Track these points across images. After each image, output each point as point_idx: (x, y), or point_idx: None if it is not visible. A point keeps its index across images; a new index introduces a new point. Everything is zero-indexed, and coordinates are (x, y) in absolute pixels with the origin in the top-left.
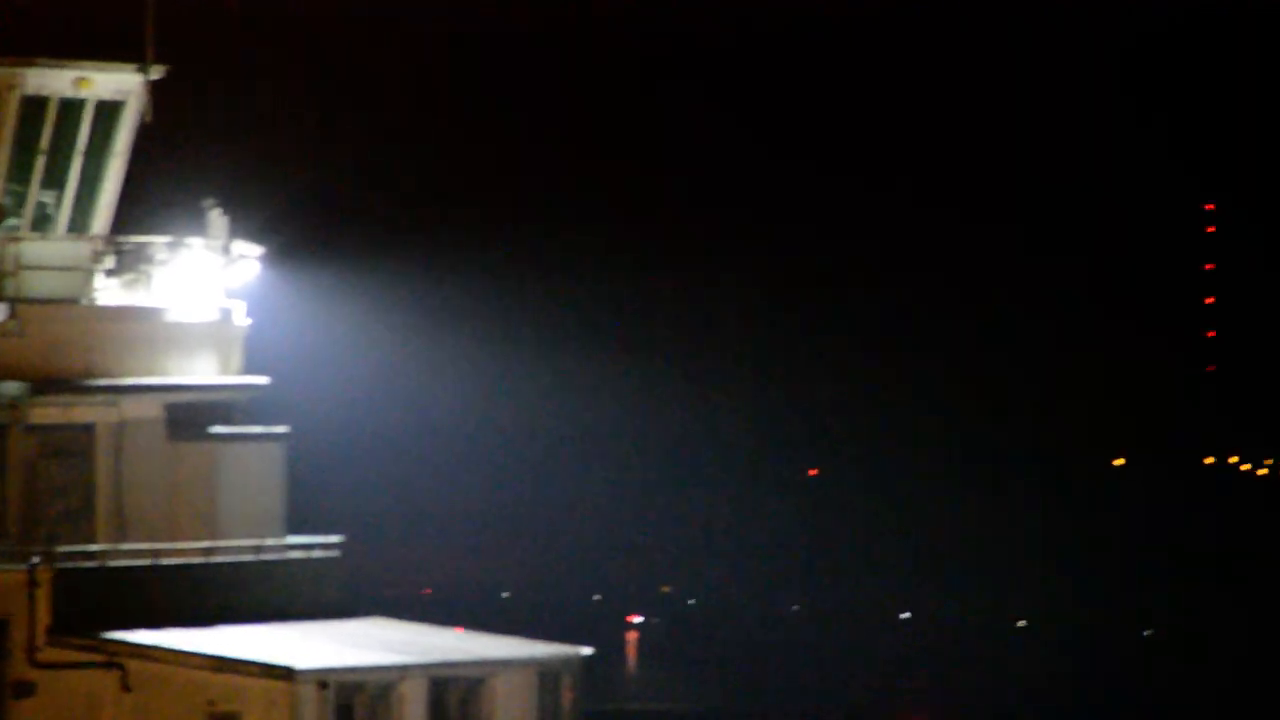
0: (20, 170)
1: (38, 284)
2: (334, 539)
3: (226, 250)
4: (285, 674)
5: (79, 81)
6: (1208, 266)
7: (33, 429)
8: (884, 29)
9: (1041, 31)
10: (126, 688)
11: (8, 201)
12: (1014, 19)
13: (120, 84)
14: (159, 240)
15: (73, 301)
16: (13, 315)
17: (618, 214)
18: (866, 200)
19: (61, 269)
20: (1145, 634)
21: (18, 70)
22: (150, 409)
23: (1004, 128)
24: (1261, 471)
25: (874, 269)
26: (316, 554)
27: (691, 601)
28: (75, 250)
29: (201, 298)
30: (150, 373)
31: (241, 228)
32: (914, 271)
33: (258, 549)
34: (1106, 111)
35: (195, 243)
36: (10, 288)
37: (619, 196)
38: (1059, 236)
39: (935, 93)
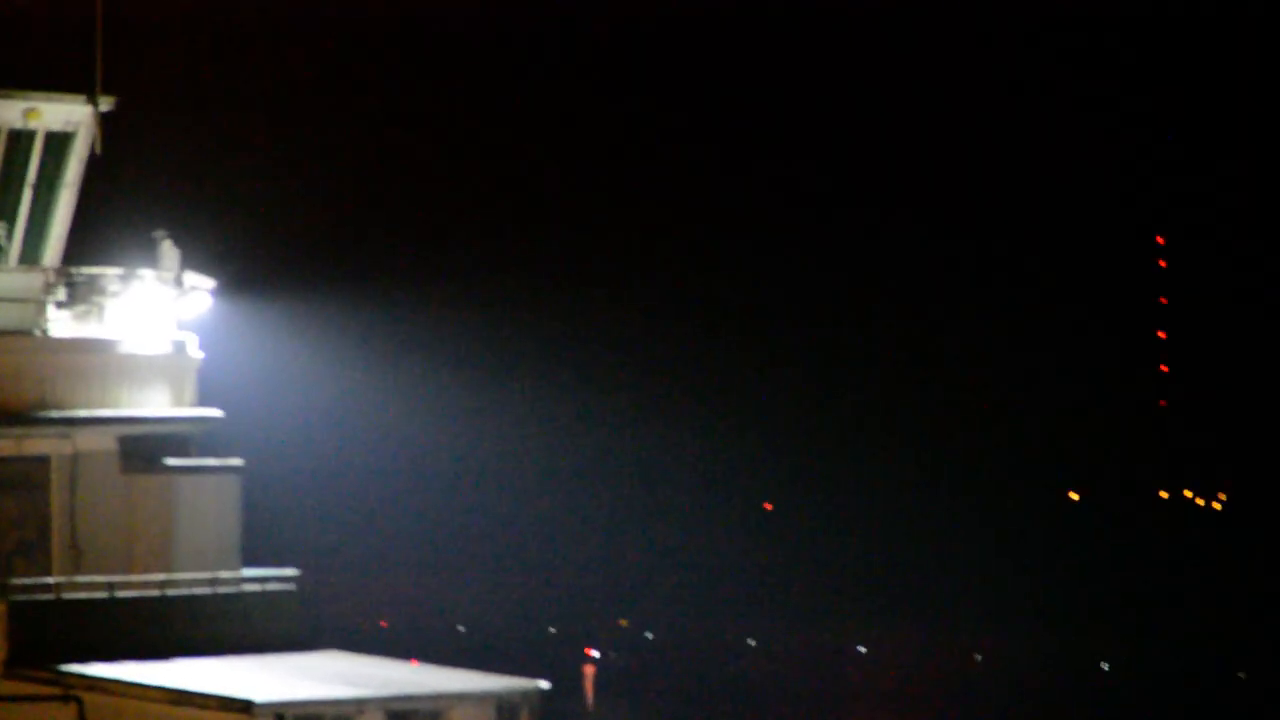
0: None
1: None
2: (290, 572)
3: (179, 282)
4: (243, 707)
5: (28, 113)
6: (1161, 301)
7: None
8: (847, 44)
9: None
10: None
11: None
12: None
13: (70, 115)
14: (111, 272)
15: (25, 333)
16: None
17: (578, 245)
18: (821, 233)
19: (13, 300)
20: (1102, 667)
21: None
22: (104, 441)
23: (962, 159)
24: (1215, 505)
25: (827, 303)
26: (272, 587)
27: (649, 635)
28: (27, 282)
29: (154, 330)
30: (104, 405)
31: (193, 259)
32: (868, 305)
33: (213, 581)
34: (1064, 144)
35: (147, 274)
36: None
37: (578, 226)
38: (1013, 271)
39: (900, 119)
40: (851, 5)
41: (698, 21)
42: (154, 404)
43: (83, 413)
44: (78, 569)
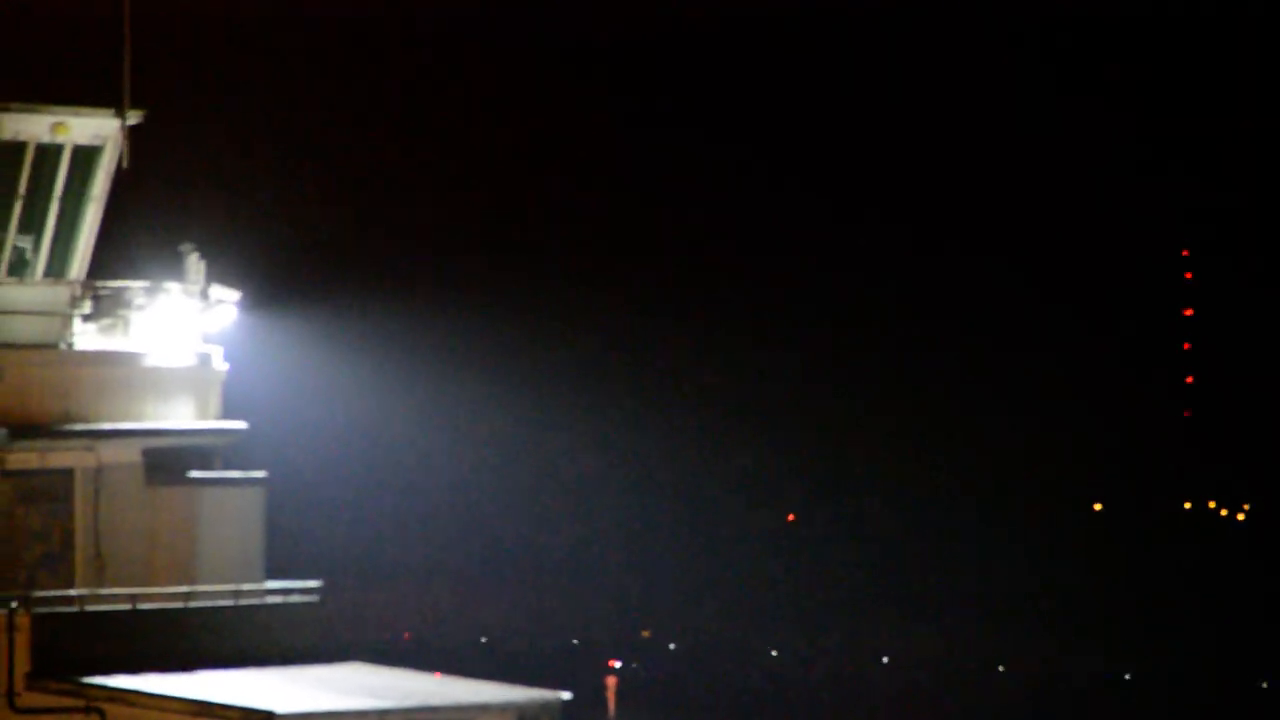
0: None
1: (15, 329)
2: (313, 584)
3: (204, 295)
4: (265, 718)
5: (56, 127)
6: (1186, 312)
7: (10, 474)
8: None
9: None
10: None
11: None
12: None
13: (98, 129)
14: (137, 285)
15: (50, 346)
16: None
17: (602, 258)
18: (840, 243)
19: (39, 314)
20: (1125, 678)
21: None
22: (128, 454)
23: (980, 170)
24: (1240, 516)
25: (852, 314)
26: (295, 599)
27: (672, 646)
28: (53, 295)
29: (179, 342)
30: (128, 417)
31: (219, 272)
32: (890, 315)
33: (236, 594)
34: (1089, 156)
35: (173, 287)
36: None
37: (599, 239)
38: (1038, 283)
39: (913, 128)
40: (868, 9)
41: (702, 22)
42: (178, 416)
43: (107, 425)
44: (101, 581)
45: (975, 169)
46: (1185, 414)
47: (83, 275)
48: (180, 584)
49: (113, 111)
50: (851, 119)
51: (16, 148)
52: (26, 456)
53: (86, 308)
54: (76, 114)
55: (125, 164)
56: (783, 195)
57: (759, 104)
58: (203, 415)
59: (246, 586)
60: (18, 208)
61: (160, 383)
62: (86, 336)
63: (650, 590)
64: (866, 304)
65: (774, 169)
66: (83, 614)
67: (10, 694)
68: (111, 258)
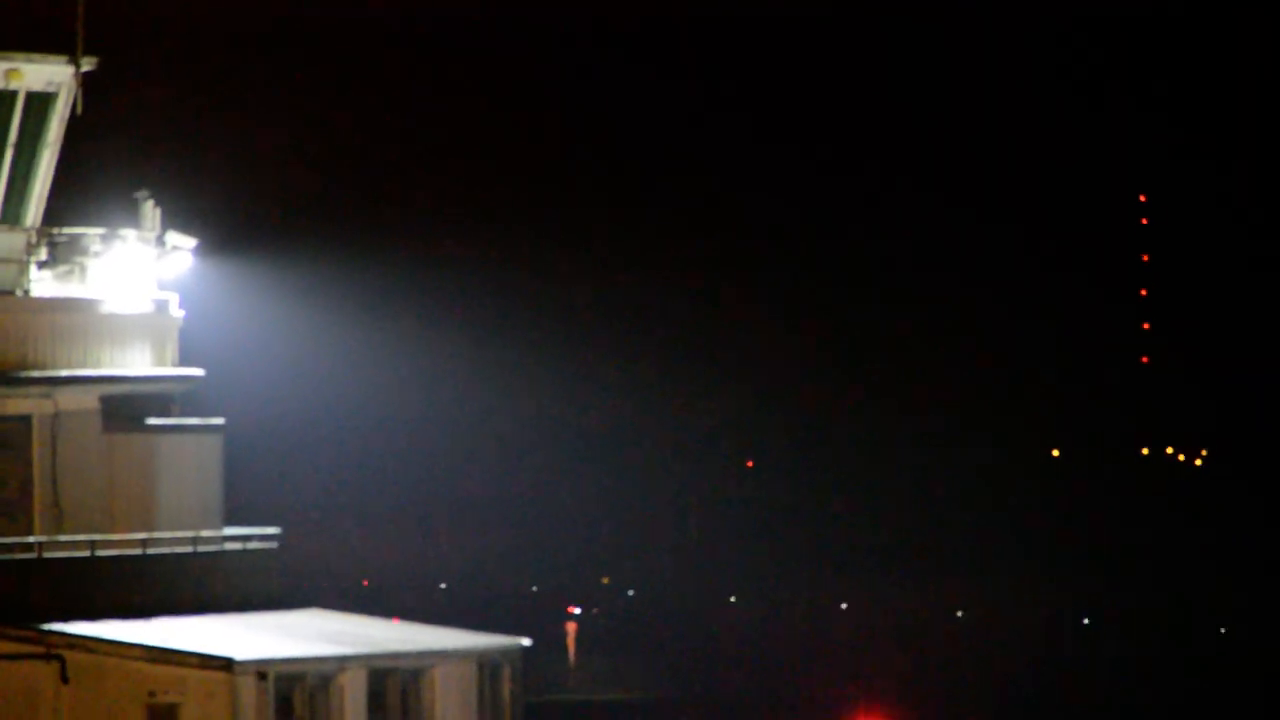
0: None
1: None
2: (271, 530)
3: (160, 241)
4: (224, 665)
5: (9, 73)
6: (1143, 258)
7: None
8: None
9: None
10: (65, 679)
11: None
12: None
13: (51, 75)
14: (93, 232)
15: (6, 293)
16: None
17: (564, 202)
18: (801, 189)
19: None
20: (1084, 622)
21: None
22: (86, 400)
23: (951, 117)
24: (1197, 462)
25: (808, 258)
26: (254, 545)
27: (630, 592)
28: (8, 242)
29: (136, 289)
30: (85, 364)
31: (175, 219)
32: (850, 261)
33: (195, 540)
34: (1047, 96)
35: (129, 234)
36: None
37: (565, 183)
38: (995, 229)
39: (891, 85)
40: None
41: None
42: (136, 363)
43: (64, 372)
44: (59, 528)
45: (934, 112)
46: (1143, 360)
47: (38, 222)
48: (139, 531)
49: (67, 58)
50: (817, 54)
51: None
52: None
53: (42, 254)
54: (30, 60)
55: (80, 110)
56: (749, 142)
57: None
58: (160, 362)
59: (205, 533)
60: None
61: (117, 329)
62: (43, 283)
63: (609, 537)
64: (826, 251)
65: (744, 115)
66: (41, 561)
67: None
68: (67, 205)
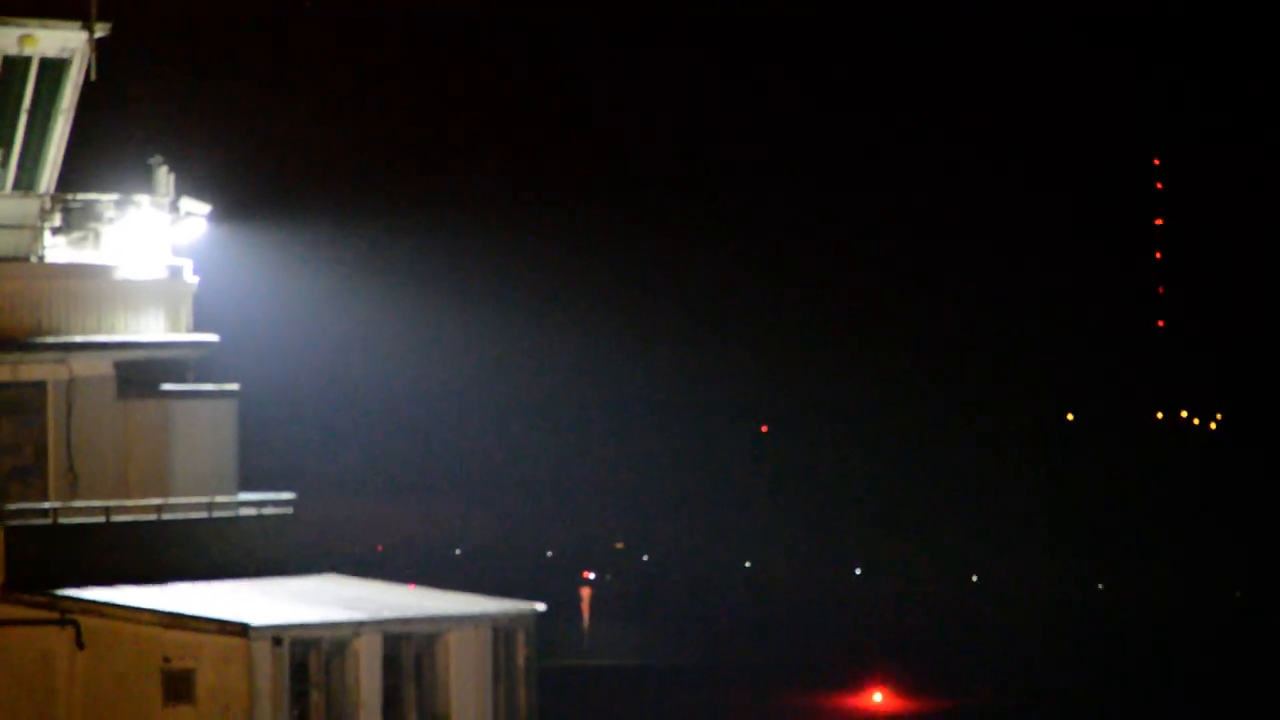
0: None
1: None
2: (286, 496)
3: (174, 207)
4: (240, 630)
5: (23, 39)
6: (1157, 222)
7: None
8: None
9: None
10: (81, 645)
11: None
12: None
13: (65, 41)
14: (107, 198)
15: (21, 259)
16: None
17: (584, 171)
18: (811, 155)
19: (9, 227)
20: (1098, 587)
21: None
22: (100, 366)
23: (965, 81)
24: (1212, 425)
25: (823, 227)
26: (269, 511)
27: (645, 558)
28: (22, 208)
29: (150, 255)
30: (100, 330)
31: (189, 185)
32: (862, 229)
33: (210, 506)
34: (1060, 60)
35: (143, 200)
36: None
37: (571, 147)
38: (1010, 191)
39: (897, 45)
40: None
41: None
42: (150, 329)
43: (79, 338)
44: (74, 494)
45: (946, 75)
46: (1158, 324)
47: (52, 188)
48: (153, 496)
49: (80, 24)
50: (835, 36)
51: None
52: None
53: (56, 221)
54: (44, 26)
55: (93, 76)
56: (757, 116)
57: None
58: (174, 328)
59: (220, 499)
60: None
61: (131, 296)
62: (57, 249)
63: (623, 502)
64: (840, 218)
65: (750, 98)
66: (56, 527)
67: None
68: (81, 170)
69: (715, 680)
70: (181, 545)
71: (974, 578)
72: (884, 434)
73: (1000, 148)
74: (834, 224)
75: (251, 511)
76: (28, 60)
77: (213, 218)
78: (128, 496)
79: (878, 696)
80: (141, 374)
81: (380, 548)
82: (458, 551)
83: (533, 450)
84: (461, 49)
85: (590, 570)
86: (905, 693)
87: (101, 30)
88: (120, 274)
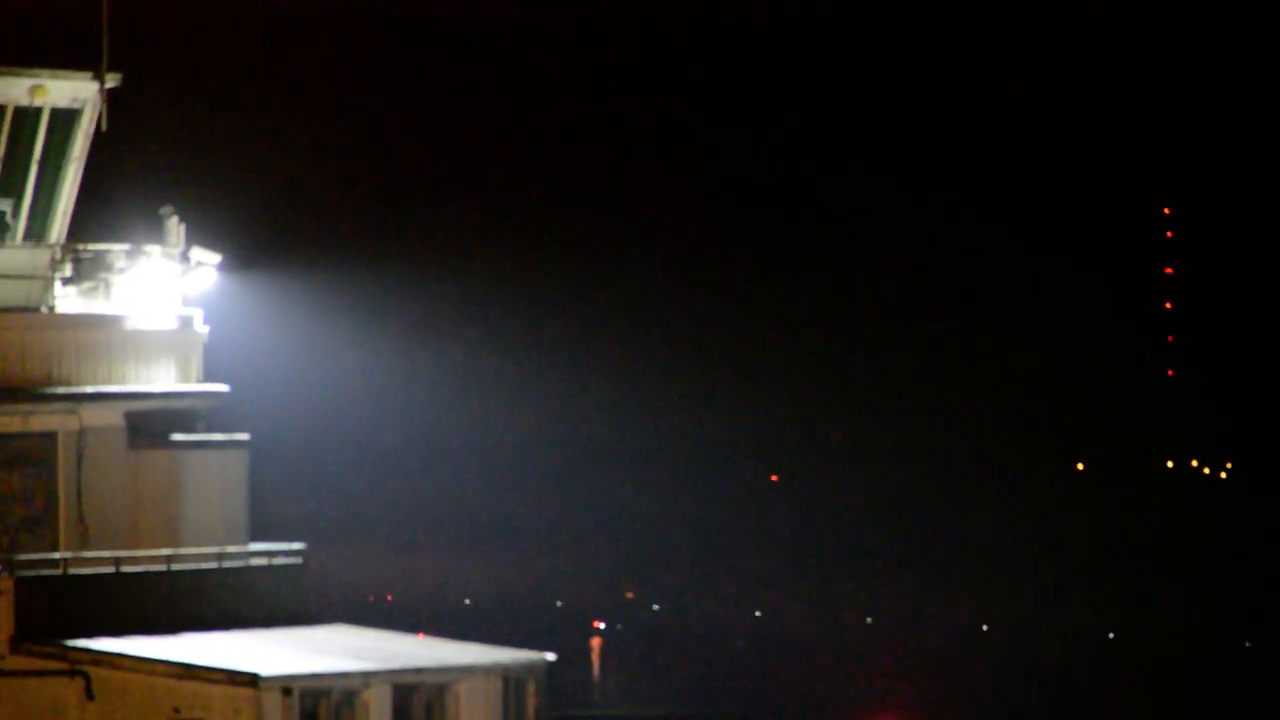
0: None
1: None
2: (296, 546)
3: (185, 257)
4: (249, 681)
5: (34, 89)
6: (1167, 271)
7: None
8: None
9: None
10: (90, 695)
11: None
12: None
13: (76, 92)
14: (117, 248)
15: (31, 309)
16: None
17: (587, 218)
18: (827, 201)
19: (19, 277)
20: (1109, 636)
21: None
22: (111, 417)
23: (975, 127)
24: (1222, 475)
25: (834, 274)
26: (279, 561)
27: (655, 607)
28: (33, 258)
29: (160, 305)
30: (110, 380)
31: (199, 235)
32: (875, 275)
33: (220, 556)
34: (1072, 112)
35: (153, 250)
36: None
37: (584, 196)
38: (1021, 242)
39: (910, 90)
40: None
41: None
42: (160, 379)
43: (89, 388)
44: (84, 544)
45: (962, 127)
46: (1168, 373)
47: (63, 238)
48: (164, 547)
49: (91, 74)
50: (841, 71)
51: None
52: (9, 420)
53: (67, 271)
54: (55, 77)
55: (104, 127)
56: (770, 154)
57: (752, 66)
58: (185, 378)
59: (230, 549)
60: None
61: (142, 346)
62: (67, 300)
63: (633, 552)
64: (852, 265)
65: (765, 129)
66: (66, 577)
67: None
68: (92, 221)
69: None
70: (192, 595)
71: (984, 626)
72: (894, 483)
73: (1009, 197)
74: (844, 276)
75: (262, 561)
76: (39, 111)
77: (223, 267)
78: (138, 547)
79: None
80: (152, 424)
81: (390, 597)
82: (468, 601)
83: (543, 500)
84: (475, 100)
85: (600, 620)
86: None
87: (112, 81)
88: (131, 324)
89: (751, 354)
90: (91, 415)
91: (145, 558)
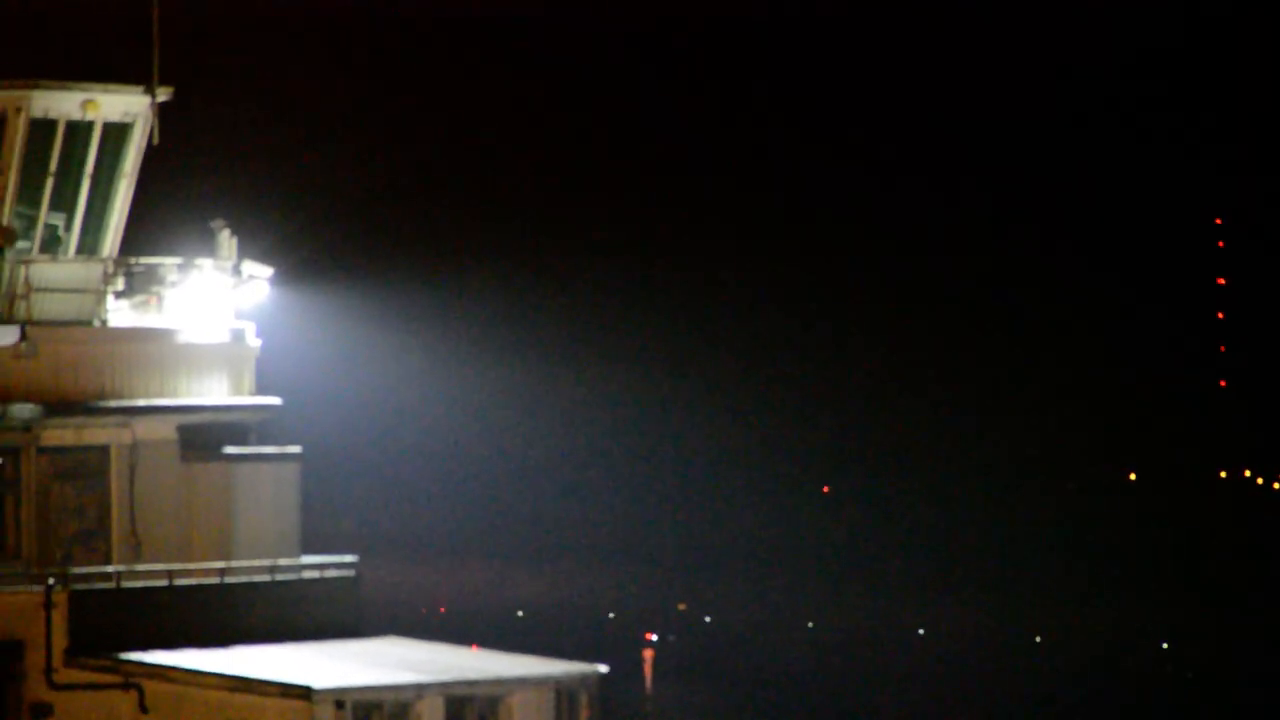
0: (29, 193)
1: (48, 306)
2: (349, 558)
3: (237, 270)
4: (303, 693)
5: (86, 104)
6: (1219, 281)
7: (46, 451)
8: (890, 23)
9: (1051, 33)
10: (144, 709)
11: (17, 224)
12: (1022, 19)
13: (128, 106)
14: (169, 261)
15: (84, 323)
16: (24, 338)
17: (636, 224)
18: (875, 213)
19: (72, 291)
20: (1162, 647)
21: (25, 93)
22: (163, 430)
23: (1018, 131)
24: (1276, 484)
25: (886, 284)
26: (331, 573)
27: (707, 619)
28: (85, 272)
29: (213, 318)
30: (162, 394)
31: (251, 248)
32: (926, 285)
33: (273, 569)
34: (1122, 120)
35: (205, 263)
36: (21, 310)
37: (635, 204)
38: (1072, 249)
39: (940, 91)
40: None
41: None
42: (213, 392)
43: (142, 402)
44: (137, 557)
45: (1008, 138)
46: (1220, 383)
47: (115, 252)
48: (216, 560)
49: (143, 88)
50: (877, 85)
51: (47, 125)
52: (62, 433)
53: (119, 284)
54: (106, 91)
55: (156, 140)
56: (815, 164)
57: (783, 79)
58: (237, 391)
59: (283, 561)
60: (49, 185)
61: (194, 359)
62: (120, 313)
63: (686, 563)
64: (903, 274)
65: (810, 141)
66: (119, 590)
67: (48, 670)
68: (144, 234)
69: None
70: (244, 608)
71: (1037, 638)
72: (948, 494)
73: (1060, 208)
74: (903, 290)
75: (314, 574)
76: (90, 125)
77: (275, 280)
78: (191, 560)
79: None
80: (204, 437)
81: (443, 609)
82: (520, 613)
83: (595, 511)
84: (535, 115)
85: (653, 632)
86: None
87: (164, 94)
88: (183, 337)
89: (805, 365)
90: (144, 428)
91: (198, 571)
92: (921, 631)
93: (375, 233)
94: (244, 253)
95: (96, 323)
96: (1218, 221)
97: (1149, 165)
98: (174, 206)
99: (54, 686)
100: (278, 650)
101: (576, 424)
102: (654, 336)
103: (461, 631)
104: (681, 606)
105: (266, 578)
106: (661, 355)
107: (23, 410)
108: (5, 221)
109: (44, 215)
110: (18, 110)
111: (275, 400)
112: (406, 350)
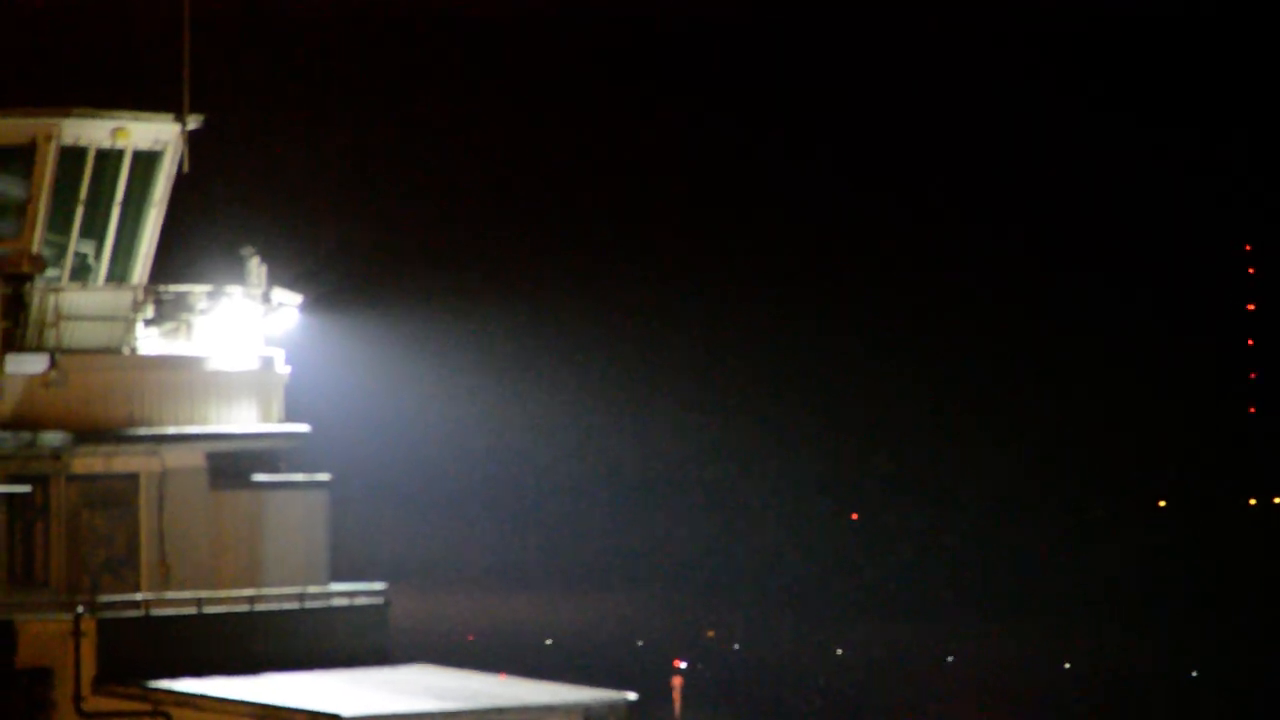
0: (59, 220)
1: (78, 334)
2: (378, 586)
3: (266, 298)
4: None
5: (116, 132)
6: (1249, 307)
7: (75, 479)
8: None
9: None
10: None
11: (47, 252)
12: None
13: (158, 134)
14: (199, 289)
15: (113, 351)
16: (54, 365)
17: (667, 249)
18: (905, 239)
19: (101, 319)
20: (1192, 675)
21: (55, 121)
22: (193, 458)
23: (1050, 161)
24: None
25: (914, 311)
26: (360, 601)
27: (736, 646)
28: (115, 300)
29: (242, 346)
30: (192, 421)
31: (280, 276)
32: (954, 311)
33: (302, 597)
34: (1154, 148)
35: (235, 291)
36: (50, 338)
37: (661, 224)
38: (1102, 278)
39: (971, 118)
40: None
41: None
42: (242, 420)
43: (171, 429)
44: (166, 585)
45: (1036, 163)
46: (1250, 410)
47: (145, 280)
48: (245, 587)
49: (173, 116)
50: (893, 108)
51: (77, 153)
52: (91, 461)
53: (149, 312)
54: (137, 119)
55: (186, 168)
56: (849, 185)
57: (789, 88)
58: (266, 418)
59: (311, 589)
60: (79, 213)
61: (223, 386)
62: (149, 341)
63: (715, 590)
64: (931, 300)
65: (832, 158)
66: (148, 618)
67: (77, 698)
68: (173, 262)
69: None
70: (273, 636)
71: (1066, 665)
72: (977, 522)
73: (1091, 237)
74: (927, 318)
75: (343, 602)
76: (120, 153)
77: (304, 308)
78: (220, 587)
79: None
80: (233, 465)
81: (471, 637)
82: (548, 641)
83: (624, 538)
84: (568, 140)
85: (681, 659)
86: None
87: (194, 122)
88: (212, 365)
89: (836, 393)
90: (173, 456)
91: (227, 598)
92: (951, 659)
93: (406, 261)
94: (273, 280)
95: (126, 351)
96: (1247, 248)
97: (1178, 192)
98: (203, 234)
99: (83, 714)
100: (306, 678)
101: (606, 451)
102: (683, 363)
103: (490, 659)
104: (710, 634)
105: (295, 605)
106: (691, 382)
107: (52, 438)
108: (35, 249)
109: (74, 243)
110: (48, 138)
111: (304, 428)
112: (435, 378)
